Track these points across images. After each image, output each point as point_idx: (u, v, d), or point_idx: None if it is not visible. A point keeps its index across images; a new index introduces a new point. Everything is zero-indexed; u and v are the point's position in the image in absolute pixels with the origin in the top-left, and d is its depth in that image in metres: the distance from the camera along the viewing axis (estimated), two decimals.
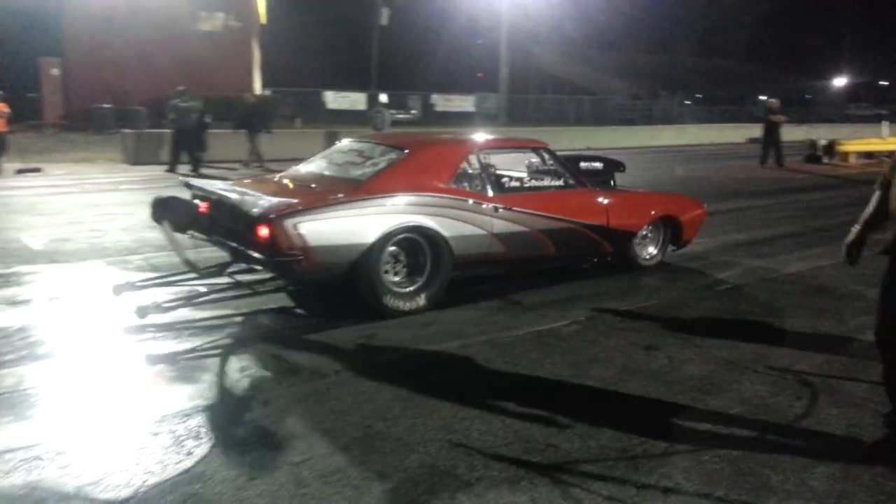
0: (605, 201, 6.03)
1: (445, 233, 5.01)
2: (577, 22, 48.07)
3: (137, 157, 16.01)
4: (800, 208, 10.84)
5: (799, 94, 52.49)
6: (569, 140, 24.87)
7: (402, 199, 4.90)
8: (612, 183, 6.83)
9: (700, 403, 3.51)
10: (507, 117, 31.39)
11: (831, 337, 4.60)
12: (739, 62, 62.09)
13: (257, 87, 31.14)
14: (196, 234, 5.24)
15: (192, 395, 3.50)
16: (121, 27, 25.22)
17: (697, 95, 48.86)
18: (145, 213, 5.28)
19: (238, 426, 3.18)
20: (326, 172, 5.60)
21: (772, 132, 17.98)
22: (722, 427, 3.23)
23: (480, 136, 6.56)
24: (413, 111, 35.63)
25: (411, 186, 5.01)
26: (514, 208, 5.40)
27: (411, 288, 5.02)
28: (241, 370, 3.85)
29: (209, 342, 4.30)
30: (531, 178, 5.90)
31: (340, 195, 4.87)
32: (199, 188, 5.40)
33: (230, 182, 5.72)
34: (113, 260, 6.54)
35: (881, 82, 76.02)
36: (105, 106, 23.16)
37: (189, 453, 2.90)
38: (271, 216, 4.45)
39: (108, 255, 6.76)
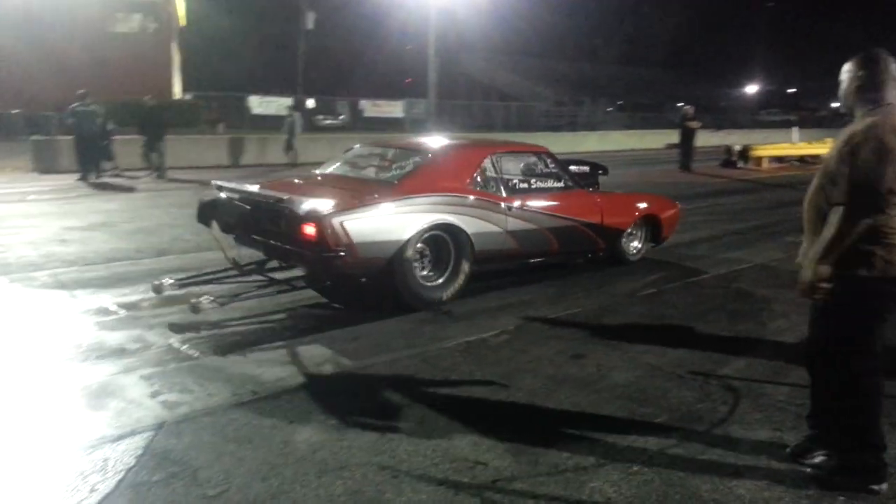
0: (599, 201, 6.65)
1: (468, 229, 5.46)
2: (504, 30, 48.81)
3: (47, 166, 15.19)
4: (718, 212, 11.22)
5: (714, 100, 54.69)
6: None
7: (431, 199, 5.30)
8: (596, 185, 7.38)
9: (628, 412, 3.51)
10: (435, 123, 31.43)
11: (751, 340, 4.71)
12: (659, 70, 64.34)
13: (177, 90, 30.16)
14: (238, 234, 5.45)
15: (103, 424, 3.25)
16: (30, 29, 23.94)
17: (619, 102, 50.28)
18: (54, 225, 4.94)
19: (148, 456, 2.96)
20: (352, 174, 6.00)
21: (687, 137, 18.69)
22: (651, 437, 3.23)
23: (490, 141, 7.44)
24: (341, 116, 35.26)
25: (438, 187, 5.43)
26: (524, 208, 5.92)
27: (439, 281, 5.46)
28: (153, 395, 3.62)
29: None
30: (536, 180, 6.38)
31: (376, 195, 5.17)
32: (233, 189, 5.50)
33: (260, 183, 5.86)
34: (17, 277, 6.11)
35: (789, 90, 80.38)
36: (14, 112, 21.89)
37: (92, 490, 2.68)
38: (319, 214, 4.72)
39: (11, 271, 6.30)
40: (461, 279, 5.50)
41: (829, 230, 2.73)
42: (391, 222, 5.07)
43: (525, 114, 37.75)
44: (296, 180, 6.36)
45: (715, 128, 28.45)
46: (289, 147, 18.31)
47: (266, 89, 33.11)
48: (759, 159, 20.52)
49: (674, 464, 2.97)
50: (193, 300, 4.70)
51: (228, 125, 26.23)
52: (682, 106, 19.46)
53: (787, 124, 49.13)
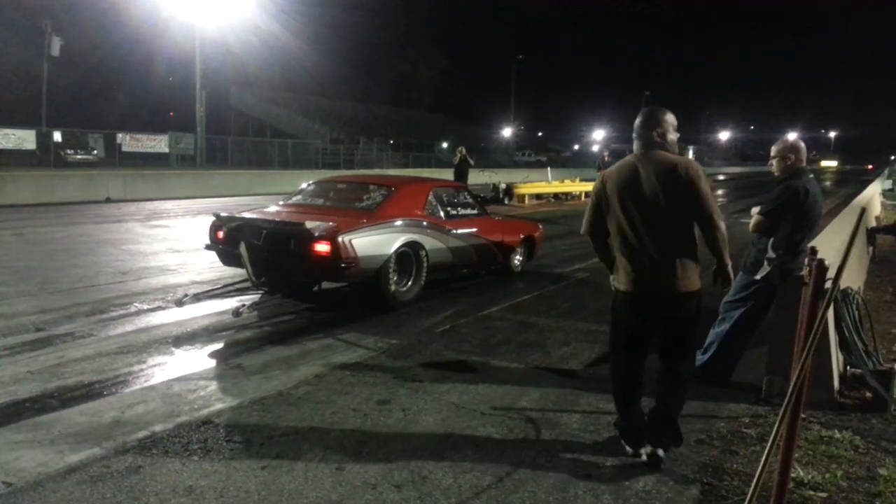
0: (500, 225, 8.50)
1: (427, 246, 6.89)
2: (278, 68, 48.19)
3: None
4: None
5: (476, 141, 58.84)
6: (274, 183, 24.50)
7: (402, 223, 6.71)
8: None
9: (439, 458, 3.44)
10: (205, 159, 29.77)
11: (541, 370, 4.95)
12: (425, 112, 67.78)
13: None
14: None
15: None
16: None
17: (391, 142, 51.99)
18: None
19: None
20: (329, 204, 7.10)
21: (462, 176, 19.78)
22: (464, 479, 3.20)
23: (425, 178, 9.58)
24: (94, 151, 31.92)
25: (404, 213, 6.84)
26: (458, 229, 7.48)
27: (405, 287, 6.78)
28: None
29: None
30: (461, 208, 7.87)
31: (364, 220, 6.45)
32: (232, 217, 6.59)
33: (254, 211, 7.12)
34: None
35: (538, 133, 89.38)
36: None
37: None
38: (331, 234, 5.98)
39: None
40: (420, 285, 6.91)
41: None
42: (379, 240, 6.38)
43: (302, 151, 37.30)
44: (282, 209, 7.12)
45: (481, 168, 30.45)
46: None
47: (4, 121, 28.92)
48: (522, 196, 22.33)
49: None
50: (235, 307, 5.93)
51: None
52: (458, 148, 20.62)
53: (539, 164, 54.45)
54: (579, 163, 58.75)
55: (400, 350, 5.34)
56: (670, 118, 3.45)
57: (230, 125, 44.76)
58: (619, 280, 3.47)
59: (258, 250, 6.15)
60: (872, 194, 18.04)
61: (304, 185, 7.83)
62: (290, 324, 6.08)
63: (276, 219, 6.45)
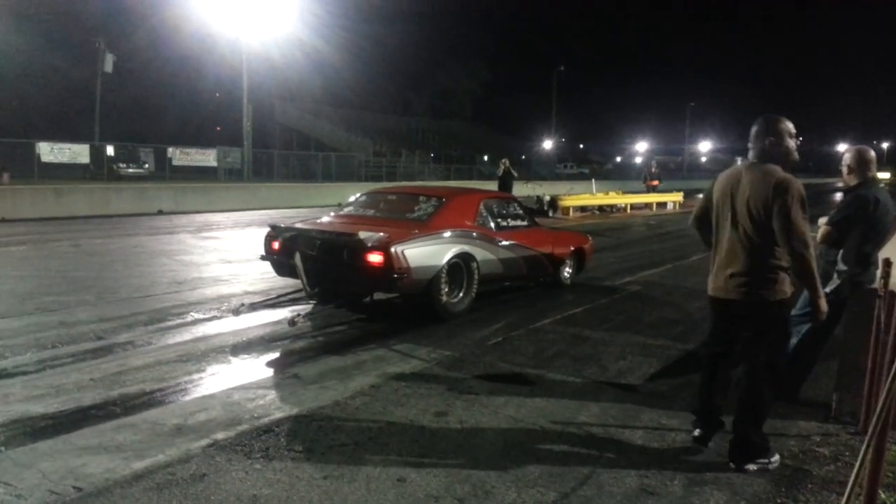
0: (549, 236, 8.45)
1: (477, 257, 6.86)
2: (320, 81, 48.93)
3: None
4: None
5: (517, 154, 58.72)
6: (319, 196, 24.83)
7: (453, 234, 6.70)
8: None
9: (501, 471, 3.39)
10: (252, 173, 30.35)
11: (599, 384, 4.86)
12: (466, 124, 67.95)
13: None
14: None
15: None
16: None
17: (431, 154, 52.24)
18: None
19: None
20: (381, 215, 7.13)
21: (506, 187, 19.73)
22: (528, 494, 3.13)
23: (476, 189, 9.48)
24: (146, 164, 32.85)
25: (455, 224, 6.86)
26: (508, 240, 7.43)
27: (456, 299, 6.77)
28: None
29: None
30: (511, 219, 7.82)
31: (416, 231, 6.46)
32: (287, 228, 6.70)
33: (306, 222, 7.22)
34: None
35: (580, 145, 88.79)
36: None
37: None
38: (384, 245, 5.98)
39: None
40: (471, 297, 6.88)
41: None
42: (432, 251, 6.37)
43: (345, 164, 37.75)
44: (334, 220, 7.23)
45: (525, 180, 30.38)
46: None
47: (59, 136, 29.96)
48: (566, 209, 22.15)
49: None
50: (291, 317, 5.91)
51: (15, 174, 23.16)
52: (503, 160, 20.66)
53: (581, 176, 54.06)
54: (622, 175, 58.16)
55: (453, 362, 5.30)
56: (785, 126, 3.44)
57: (275, 139, 45.56)
58: (709, 282, 3.67)
59: (312, 260, 6.22)
60: None
61: (354, 197, 7.89)
62: (342, 334, 6.10)
63: (330, 229, 6.55)
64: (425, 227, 6.59)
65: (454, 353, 5.55)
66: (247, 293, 7.63)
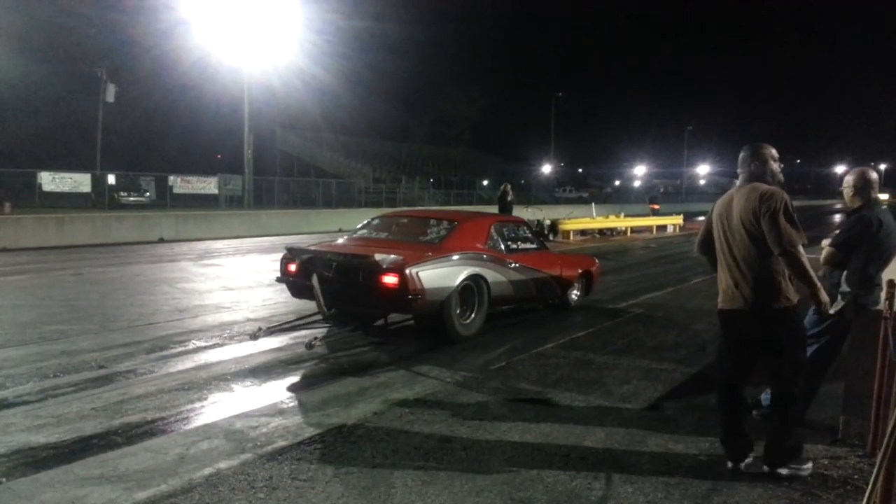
0: (558, 259, 8.52)
1: (489, 279, 6.95)
2: (320, 108, 49.36)
3: None
4: None
5: (517, 178, 58.97)
6: (320, 222, 24.89)
7: (465, 256, 6.81)
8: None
9: (507, 500, 3.35)
10: (252, 200, 30.46)
11: (604, 409, 4.82)
12: (465, 150, 68.37)
13: None
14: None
15: None
16: None
17: (431, 180, 52.46)
18: None
19: None
20: (394, 237, 7.25)
21: (506, 211, 19.78)
22: None
23: (486, 213, 10.04)
24: (147, 193, 32.97)
25: (467, 247, 6.97)
26: (518, 262, 7.52)
27: (467, 321, 6.84)
28: None
29: None
30: (520, 242, 7.92)
31: (429, 253, 6.56)
32: (303, 250, 6.81)
33: (321, 245, 7.25)
34: None
35: (579, 169, 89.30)
36: None
37: None
38: (399, 267, 6.07)
39: None
40: (482, 318, 6.97)
41: None
42: (445, 273, 6.46)
43: (345, 190, 37.92)
44: (348, 242, 7.33)
45: (525, 204, 30.50)
46: None
47: (61, 165, 30.16)
48: (566, 232, 22.18)
49: None
50: (309, 340, 5.99)
51: (17, 204, 23.22)
52: (504, 184, 20.80)
53: (581, 200, 54.22)
54: (621, 198, 58.28)
55: (456, 387, 5.27)
56: (768, 151, 3.76)
57: (276, 166, 45.83)
58: (719, 297, 3.81)
59: (329, 282, 6.33)
60: None
61: (367, 221, 7.99)
62: (344, 360, 6.05)
63: (346, 251, 6.64)
64: (438, 250, 6.70)
65: (458, 377, 5.53)
66: (248, 320, 7.61)
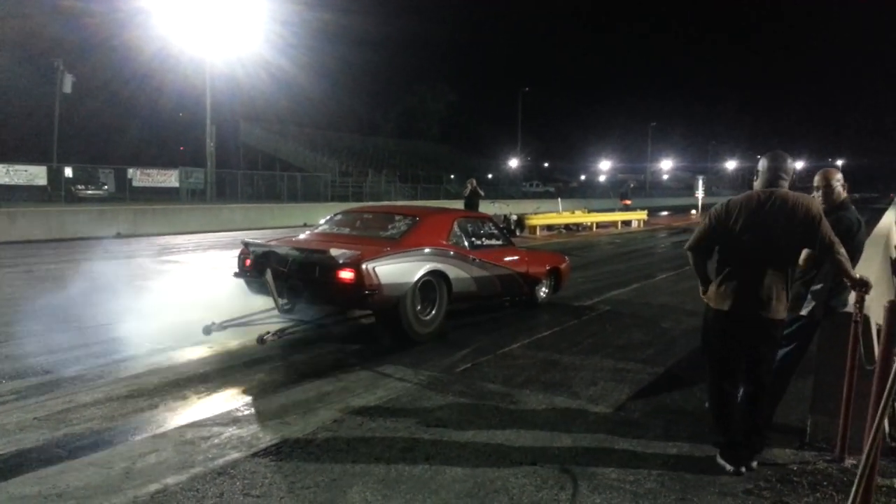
0: (525, 256, 8.40)
1: (450, 275, 6.89)
2: (286, 101, 48.65)
3: None
4: None
5: (484, 173, 58.96)
6: (284, 217, 24.48)
7: (425, 252, 6.70)
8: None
9: None
10: (215, 194, 29.83)
11: (571, 411, 4.72)
12: (433, 144, 68.13)
13: None
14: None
15: None
16: None
17: (397, 174, 52.11)
18: None
19: None
20: (354, 233, 7.22)
21: (472, 207, 19.70)
22: None
23: (450, 208, 9.81)
24: (105, 186, 32.07)
25: (428, 242, 6.85)
26: (482, 259, 7.44)
27: (427, 317, 6.75)
28: None
29: None
30: (485, 238, 7.88)
31: (388, 248, 6.46)
32: (259, 245, 6.72)
33: (280, 240, 7.25)
34: None
35: (545, 164, 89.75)
36: None
37: None
38: (355, 262, 6.01)
39: None
40: (442, 314, 6.89)
41: None
42: (403, 268, 6.37)
43: (311, 184, 37.37)
44: (308, 237, 7.29)
45: (491, 199, 30.40)
46: None
47: (15, 157, 29.15)
48: (533, 227, 22.16)
49: None
50: (260, 334, 5.86)
51: None
52: (470, 179, 20.67)
53: (548, 195, 54.43)
54: (587, 193, 58.75)
55: (419, 391, 5.12)
56: (791, 162, 3.82)
57: (239, 159, 45.05)
58: (717, 299, 3.78)
59: (284, 277, 6.24)
60: (890, 223, 17.77)
61: (329, 216, 7.90)
62: (304, 364, 5.86)
63: (302, 246, 6.51)
64: (398, 245, 6.61)
65: (422, 379, 5.38)
66: (205, 319, 7.33)
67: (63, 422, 4.31)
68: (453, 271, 6.94)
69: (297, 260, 6.29)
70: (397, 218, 7.36)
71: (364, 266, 6.01)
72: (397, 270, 6.31)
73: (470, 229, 7.71)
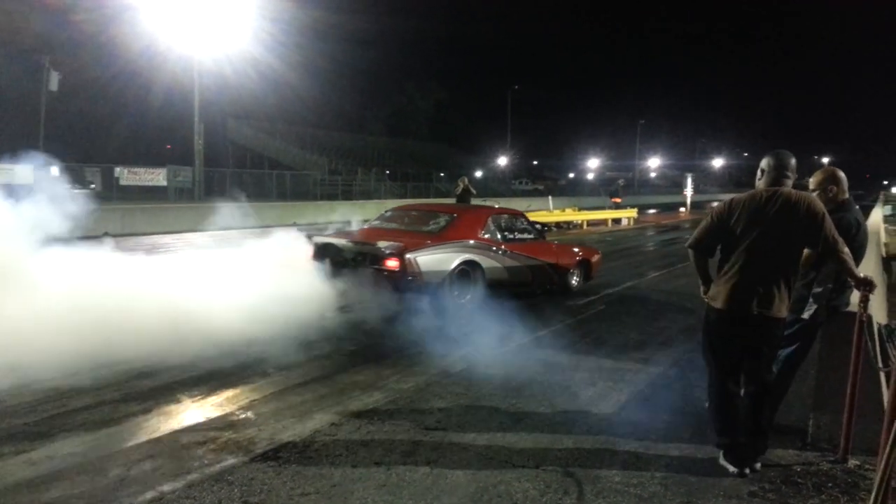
0: (555, 248, 9.37)
1: (483, 265, 7.97)
2: (275, 99, 48.31)
3: None
4: None
5: (473, 170, 58.85)
6: (274, 215, 24.29)
7: (461, 244, 7.86)
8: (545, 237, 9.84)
9: None
10: (204, 192, 29.56)
11: (571, 414, 4.67)
12: (423, 142, 67.98)
13: None
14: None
15: None
16: None
17: (387, 172, 51.94)
18: None
19: None
20: (401, 227, 8.44)
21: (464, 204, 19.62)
22: None
23: (486, 205, 11.84)
24: (92, 185, 31.70)
25: (464, 236, 8.02)
26: (513, 251, 8.47)
27: (464, 301, 7.77)
28: None
29: None
30: (517, 232, 8.84)
31: (428, 241, 7.65)
32: (322, 238, 8.20)
33: (336, 233, 8.68)
34: None
35: (534, 161, 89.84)
36: None
37: None
38: (399, 252, 7.22)
39: None
40: (477, 299, 7.82)
41: None
42: (441, 258, 7.51)
43: (300, 182, 37.15)
44: (361, 231, 8.61)
45: (482, 197, 30.34)
46: None
47: (1, 156, 28.74)
48: None
49: None
50: None
51: None
52: (462, 176, 20.56)
53: (537, 192, 54.42)
54: (576, 191, 58.76)
55: (417, 393, 5.05)
56: (794, 161, 3.79)
57: (228, 157, 44.69)
58: (719, 298, 3.75)
59: (341, 265, 7.53)
60: (877, 220, 17.91)
61: (381, 212, 9.42)
62: (301, 367, 5.73)
63: (357, 239, 7.86)
64: (437, 238, 7.80)
65: (420, 382, 5.31)
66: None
67: (54, 427, 4.21)
68: (486, 261, 7.99)
69: (352, 251, 7.60)
70: (439, 215, 8.55)
71: (407, 256, 7.19)
72: (436, 260, 7.43)
73: (503, 224, 8.68)
